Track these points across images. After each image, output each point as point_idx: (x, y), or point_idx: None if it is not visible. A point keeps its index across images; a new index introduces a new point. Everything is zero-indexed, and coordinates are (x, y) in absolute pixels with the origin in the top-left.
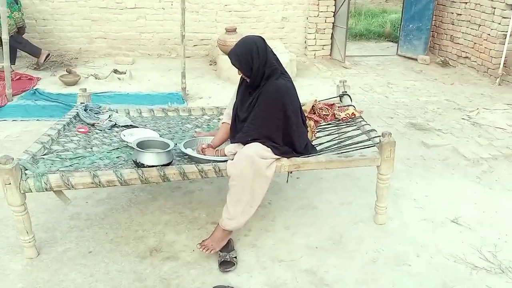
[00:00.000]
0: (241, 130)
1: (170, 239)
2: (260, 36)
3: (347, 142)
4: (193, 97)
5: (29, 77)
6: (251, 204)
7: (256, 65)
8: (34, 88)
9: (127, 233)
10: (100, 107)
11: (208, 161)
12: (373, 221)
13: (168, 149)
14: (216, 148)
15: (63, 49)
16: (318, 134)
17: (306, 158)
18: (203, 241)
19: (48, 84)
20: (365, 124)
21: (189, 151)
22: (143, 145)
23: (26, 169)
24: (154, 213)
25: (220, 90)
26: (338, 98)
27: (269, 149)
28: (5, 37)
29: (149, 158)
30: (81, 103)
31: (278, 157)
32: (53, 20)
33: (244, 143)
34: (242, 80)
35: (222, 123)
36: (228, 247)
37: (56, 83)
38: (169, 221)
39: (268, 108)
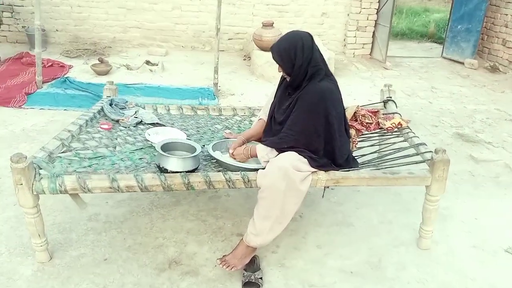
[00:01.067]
0: (277, 133)
1: (191, 250)
2: (308, 32)
3: (392, 156)
4: (225, 94)
5: (61, 64)
6: (281, 221)
7: (299, 63)
8: (65, 76)
9: (146, 240)
10: (127, 102)
11: (238, 168)
12: (416, 244)
13: (195, 153)
14: (245, 145)
15: (97, 37)
16: (359, 145)
17: (346, 172)
18: (224, 256)
19: (79, 72)
20: (414, 136)
21: (217, 154)
22: (168, 147)
23: (41, 168)
24: (177, 219)
25: (253, 87)
26: (382, 104)
27: (305, 160)
28: (38, 23)
29: (173, 163)
30: (107, 96)
31: (315, 170)
32: (88, 8)
33: (279, 150)
34: (282, 79)
35: (259, 119)
36: (253, 265)
37: (87, 72)
38: (192, 230)
39: (308, 113)
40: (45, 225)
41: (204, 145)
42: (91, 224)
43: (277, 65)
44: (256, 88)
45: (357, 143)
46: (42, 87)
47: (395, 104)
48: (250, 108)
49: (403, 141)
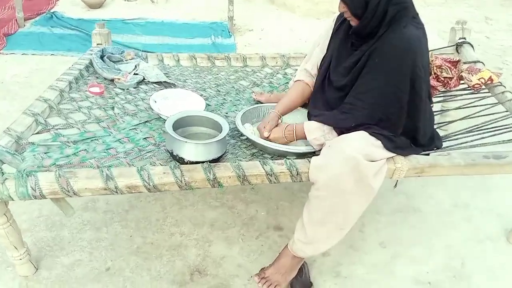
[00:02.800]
0: (333, 104)
1: (218, 253)
2: None
3: (485, 127)
4: (241, 29)
5: None
6: (342, 226)
7: (376, 0)
8: (51, 10)
9: (159, 237)
10: (123, 52)
11: (280, 152)
12: (506, 238)
13: (221, 136)
14: (284, 123)
15: None
16: (434, 108)
17: (434, 157)
18: (263, 270)
19: (68, 6)
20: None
21: (248, 129)
22: (182, 123)
23: (4, 163)
24: (196, 206)
25: (274, 20)
26: (453, 48)
27: (379, 142)
28: None
29: (191, 150)
30: (97, 44)
31: (392, 154)
32: None
33: (341, 129)
34: (340, 21)
35: (296, 81)
36: (301, 276)
37: (77, 5)
38: (216, 221)
39: (389, 75)
40: (30, 218)
41: (227, 114)
42: (87, 215)
43: (338, 1)
44: (278, 21)
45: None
46: (24, 25)
47: (473, 48)
48: (283, 56)
49: (496, 103)
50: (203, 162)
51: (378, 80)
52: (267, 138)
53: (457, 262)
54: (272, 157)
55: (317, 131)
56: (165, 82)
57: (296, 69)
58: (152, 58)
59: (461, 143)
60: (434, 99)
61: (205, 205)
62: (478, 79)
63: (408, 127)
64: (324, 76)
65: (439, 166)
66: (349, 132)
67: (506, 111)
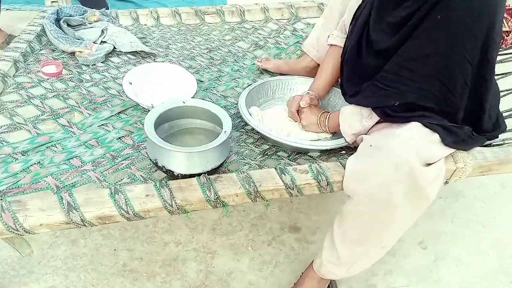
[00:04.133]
0: (374, 74)
1: (223, 267)
2: None
3: None
4: None
5: None
6: (385, 244)
7: None
8: None
9: (150, 249)
10: (85, 12)
11: (301, 149)
12: None
13: (222, 139)
14: (321, 110)
15: None
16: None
17: (503, 151)
18: None
19: None
20: None
21: (255, 118)
22: (170, 115)
23: None
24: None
25: None
26: None
27: (436, 136)
28: None
29: (182, 161)
30: (52, 2)
31: (452, 150)
32: None
33: (382, 112)
34: None
35: (330, 45)
36: None
37: None
38: (218, 224)
39: (455, 38)
40: None
41: (224, 94)
42: None
43: None
44: None
45: None
46: None
47: None
48: (291, 6)
49: None
50: (199, 174)
51: (437, 42)
52: (297, 118)
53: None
54: (289, 155)
55: (352, 117)
56: (142, 51)
57: (308, 23)
58: (124, 17)
59: None
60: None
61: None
62: None
63: (471, 110)
64: (361, 34)
65: (510, 162)
66: (395, 115)
67: None
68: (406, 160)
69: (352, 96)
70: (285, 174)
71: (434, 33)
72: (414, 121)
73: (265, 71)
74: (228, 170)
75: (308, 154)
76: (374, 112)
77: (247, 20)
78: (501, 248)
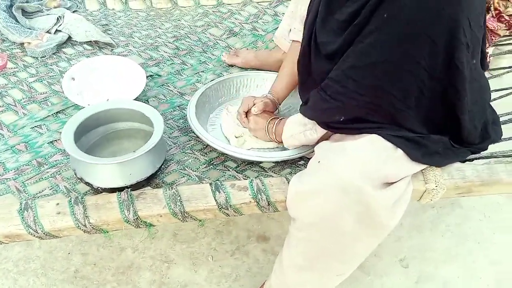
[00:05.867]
0: (323, 79)
1: (178, 278)
2: None
3: None
4: None
5: None
6: (340, 272)
7: None
8: None
9: (104, 254)
10: None
11: (250, 160)
12: None
13: (149, 147)
14: (279, 116)
15: None
16: (496, 63)
17: (488, 168)
18: None
19: None
20: None
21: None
22: (104, 117)
23: None
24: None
25: None
26: None
27: (399, 151)
28: None
29: (100, 173)
30: None
31: (422, 166)
32: None
33: (327, 126)
34: None
35: (293, 41)
36: None
37: None
38: (181, 229)
39: (405, 42)
40: None
41: (182, 91)
42: None
43: None
44: None
45: (489, 60)
46: None
47: None
48: None
49: None
50: (122, 188)
51: (385, 47)
52: (245, 120)
53: (510, 282)
54: (238, 165)
55: (296, 127)
56: (95, 42)
57: None
58: (89, 1)
59: None
60: (491, 49)
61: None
62: None
63: (443, 120)
64: (311, 33)
65: (497, 182)
66: (344, 127)
67: None
68: (355, 182)
69: (304, 104)
70: (219, 192)
71: (381, 36)
72: (370, 132)
73: (233, 67)
74: (163, 183)
75: (260, 165)
76: (318, 124)
77: (223, 3)
78: (499, 271)
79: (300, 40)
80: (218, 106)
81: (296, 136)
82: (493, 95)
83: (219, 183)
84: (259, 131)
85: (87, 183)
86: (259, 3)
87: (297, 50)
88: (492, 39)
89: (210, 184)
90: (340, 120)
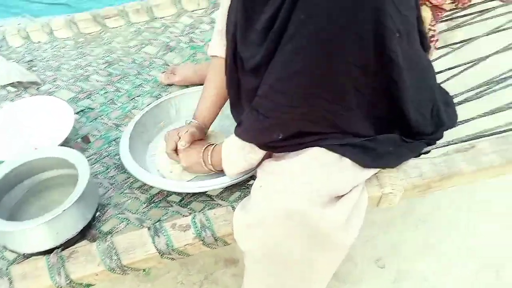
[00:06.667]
0: (251, 96)
1: None
2: None
3: None
4: None
5: None
6: None
7: None
8: None
9: None
10: None
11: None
12: None
13: (77, 195)
14: (209, 142)
15: None
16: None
17: (445, 161)
18: None
19: None
20: None
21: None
22: (28, 169)
23: None
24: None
25: None
26: None
27: (346, 161)
28: None
29: (20, 238)
30: None
31: (374, 171)
32: None
33: (267, 147)
34: None
35: (212, 56)
36: None
37: None
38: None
39: (328, 43)
40: None
41: (117, 122)
42: None
43: None
44: None
45: (437, 40)
46: None
47: None
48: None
49: None
50: (52, 250)
51: (308, 53)
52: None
53: (490, 271)
54: (182, 198)
55: (234, 152)
56: (19, 82)
57: None
58: (12, 37)
59: (491, 111)
60: (438, 26)
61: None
62: None
63: (390, 115)
64: (234, 52)
65: (457, 174)
66: (285, 145)
67: None
68: (299, 206)
69: (238, 125)
70: (159, 236)
71: (301, 39)
72: (313, 145)
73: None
74: (100, 233)
75: (207, 193)
76: (256, 146)
77: (156, 18)
78: (476, 260)
79: (219, 55)
80: (158, 132)
81: (237, 164)
82: (446, 74)
83: (158, 226)
84: (194, 166)
85: (12, 250)
86: (193, 12)
87: (216, 66)
88: (438, 14)
89: (149, 228)
90: (279, 138)
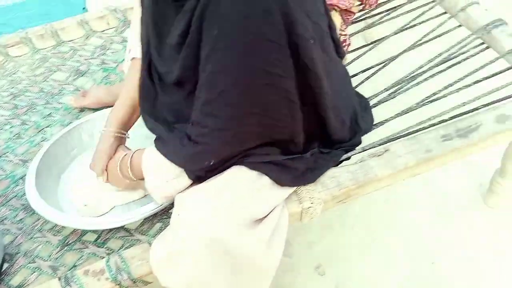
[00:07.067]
0: (177, 110)
1: None
2: None
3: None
4: None
5: None
6: None
7: None
8: None
9: None
10: None
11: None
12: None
13: None
14: (125, 153)
15: None
16: (353, 47)
17: (361, 167)
18: None
19: None
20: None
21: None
22: None
23: None
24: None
25: None
26: None
27: (266, 179)
28: None
29: None
30: None
31: (291, 188)
32: None
33: (195, 175)
34: None
35: (132, 59)
36: None
37: None
38: None
39: (249, 54)
40: None
41: (24, 157)
42: None
43: None
44: None
45: (349, 44)
46: None
47: None
48: (116, 10)
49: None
50: None
51: (228, 69)
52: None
53: (426, 263)
54: (99, 236)
55: (158, 173)
56: None
57: None
58: None
59: (403, 112)
60: (349, 29)
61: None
62: None
63: (314, 124)
64: (149, 67)
65: (373, 180)
66: (212, 172)
67: (472, 35)
68: (217, 234)
69: (156, 140)
70: (71, 286)
71: (220, 57)
72: (236, 164)
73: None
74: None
75: (125, 226)
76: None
77: (63, 41)
78: (413, 254)
79: (139, 56)
80: (71, 161)
81: (161, 187)
82: (361, 77)
83: (70, 275)
84: (122, 184)
85: None
86: (103, 32)
87: (138, 66)
88: (348, 18)
89: (59, 278)
90: (210, 164)
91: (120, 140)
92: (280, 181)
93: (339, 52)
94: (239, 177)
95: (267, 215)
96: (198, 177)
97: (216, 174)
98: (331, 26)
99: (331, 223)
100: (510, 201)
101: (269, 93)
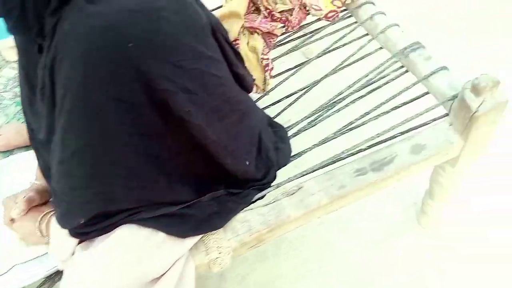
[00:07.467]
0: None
1: None
2: None
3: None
4: None
5: None
6: None
7: None
8: None
9: None
10: None
11: None
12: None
13: None
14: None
15: None
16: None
17: (273, 208)
18: None
19: None
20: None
21: None
22: None
23: None
24: None
25: None
26: None
27: (161, 235)
28: None
29: None
30: None
31: (198, 237)
32: None
33: (75, 233)
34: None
35: None
36: None
37: None
38: None
39: (87, 107)
40: None
41: None
42: None
43: None
44: None
45: (271, 68)
46: None
47: None
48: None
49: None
50: None
51: (80, 129)
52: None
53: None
54: None
55: (58, 235)
56: None
57: None
58: None
59: (320, 142)
60: (273, 52)
61: None
62: (331, 1)
63: (210, 171)
64: (27, 121)
65: (285, 222)
66: (95, 228)
67: (392, 59)
68: None
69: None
70: None
71: (69, 118)
72: (122, 223)
73: None
74: None
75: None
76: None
77: None
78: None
79: None
80: None
81: (60, 247)
82: (284, 103)
83: None
84: (30, 237)
85: None
86: (17, 62)
87: None
88: (271, 41)
89: None
90: (82, 222)
91: (43, 195)
92: (178, 234)
93: (244, 86)
94: (130, 236)
95: (167, 271)
96: (79, 235)
97: (100, 235)
98: (231, 62)
99: (265, 253)
100: (439, 222)
101: (130, 154)
